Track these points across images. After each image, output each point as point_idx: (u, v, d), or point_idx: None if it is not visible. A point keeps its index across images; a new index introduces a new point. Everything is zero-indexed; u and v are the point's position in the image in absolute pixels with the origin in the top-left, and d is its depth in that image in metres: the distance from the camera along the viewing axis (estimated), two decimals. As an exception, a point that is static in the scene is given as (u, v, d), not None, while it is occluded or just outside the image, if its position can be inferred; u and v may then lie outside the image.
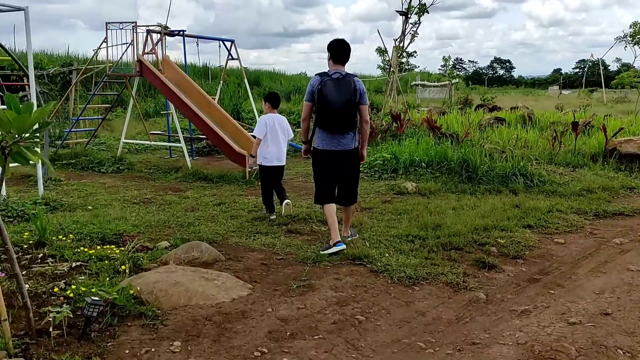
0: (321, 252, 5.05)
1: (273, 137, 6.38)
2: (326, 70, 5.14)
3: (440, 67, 63.80)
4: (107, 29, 9.57)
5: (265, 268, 4.76)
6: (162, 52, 10.30)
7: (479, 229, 6.00)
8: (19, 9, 6.80)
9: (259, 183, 8.92)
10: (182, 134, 10.28)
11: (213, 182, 8.87)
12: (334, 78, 5.00)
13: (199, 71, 26.69)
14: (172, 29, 10.91)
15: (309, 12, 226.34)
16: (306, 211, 6.83)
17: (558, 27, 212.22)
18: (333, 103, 4.95)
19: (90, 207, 6.99)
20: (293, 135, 6.94)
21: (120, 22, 9.54)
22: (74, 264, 4.56)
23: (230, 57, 12.40)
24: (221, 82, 12.85)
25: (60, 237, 5.21)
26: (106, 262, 4.56)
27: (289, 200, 6.58)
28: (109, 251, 4.79)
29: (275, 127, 6.40)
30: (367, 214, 6.85)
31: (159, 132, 12.12)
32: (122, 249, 4.85)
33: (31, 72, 6.74)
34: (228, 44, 12.28)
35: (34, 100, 6.86)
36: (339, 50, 5.10)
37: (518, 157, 9.09)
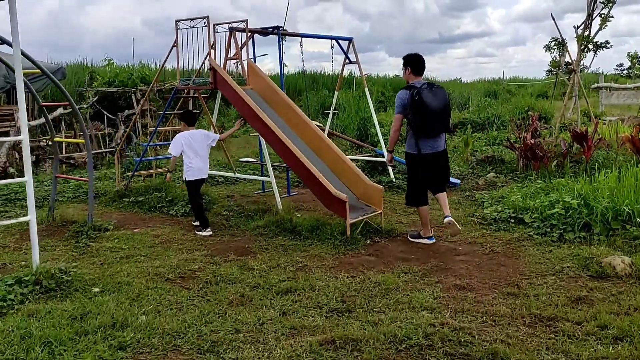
0: (409, 238, 5.91)
1: (193, 152, 6.51)
2: (411, 83, 5.63)
3: (617, 67, 55.26)
4: (177, 29, 7.31)
5: None
6: (248, 57, 7.81)
7: None
8: (4, -2, 4.70)
9: (367, 241, 6.06)
10: (271, 161, 7.72)
11: (300, 238, 6.11)
12: (425, 88, 5.50)
13: (307, 82, 24.20)
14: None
15: (466, 15, 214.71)
16: (425, 325, 3.74)
17: None
18: (436, 109, 5.47)
19: (96, 290, 4.62)
20: (216, 137, 6.77)
21: (191, 19, 7.20)
22: None
23: (347, 60, 9.61)
24: (336, 92, 10.05)
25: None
26: None
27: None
28: None
29: (192, 143, 6.52)
30: (543, 333, 3.56)
31: (250, 159, 9.66)
32: None
33: (19, 74, 4.54)
34: (344, 44, 9.50)
35: (22, 111, 4.63)
36: (419, 64, 5.69)
37: None
